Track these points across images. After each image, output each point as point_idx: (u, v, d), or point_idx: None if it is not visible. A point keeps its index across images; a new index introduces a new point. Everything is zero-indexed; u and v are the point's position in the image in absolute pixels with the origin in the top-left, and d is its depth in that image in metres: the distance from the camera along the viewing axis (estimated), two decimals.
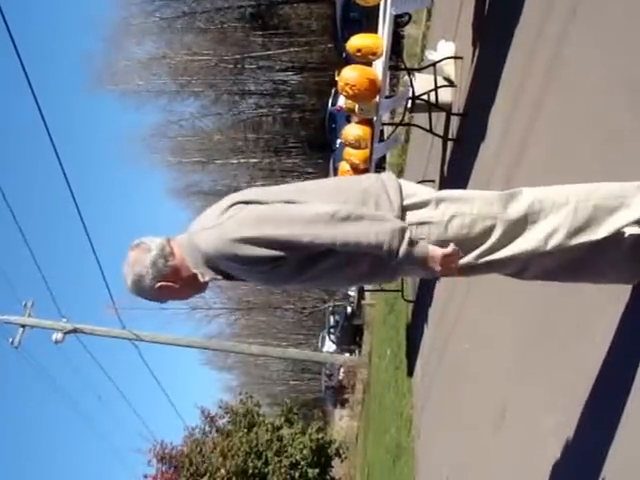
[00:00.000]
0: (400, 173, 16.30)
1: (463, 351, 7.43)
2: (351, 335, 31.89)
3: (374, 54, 6.38)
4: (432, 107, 8.22)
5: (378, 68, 6.69)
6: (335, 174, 10.03)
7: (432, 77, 8.39)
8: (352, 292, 27.25)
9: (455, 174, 8.50)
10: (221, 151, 39.98)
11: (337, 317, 32.75)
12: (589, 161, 4.00)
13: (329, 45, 28.80)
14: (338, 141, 7.17)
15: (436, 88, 8.28)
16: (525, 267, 2.93)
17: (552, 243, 2.80)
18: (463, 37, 8.70)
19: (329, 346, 31.46)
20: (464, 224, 2.82)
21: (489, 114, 6.76)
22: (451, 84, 8.81)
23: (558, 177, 4.31)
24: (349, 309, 32.15)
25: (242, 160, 39.62)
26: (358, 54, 6.39)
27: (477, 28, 7.98)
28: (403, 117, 8.58)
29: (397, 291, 12.80)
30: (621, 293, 3.25)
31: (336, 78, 6.61)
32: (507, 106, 6.16)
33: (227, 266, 2.86)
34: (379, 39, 6.44)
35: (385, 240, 2.68)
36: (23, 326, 21.84)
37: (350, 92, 6.51)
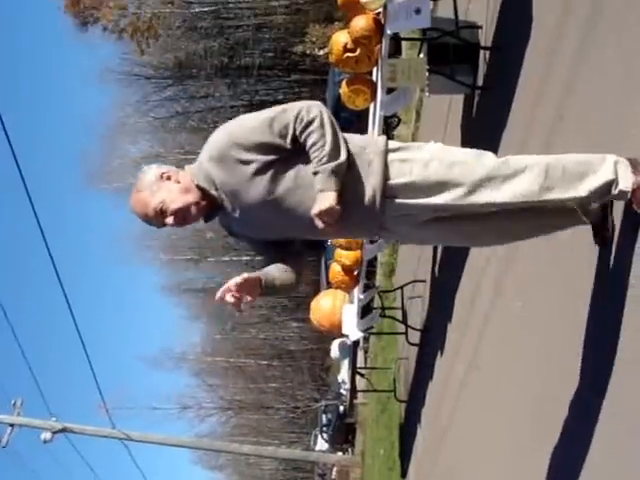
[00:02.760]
0: (391, 272, 16.35)
1: (457, 454, 7.33)
2: (344, 434, 31.45)
3: None
4: None
5: None
6: (327, 272, 10.04)
7: None
8: (344, 391, 26.99)
9: (446, 275, 8.52)
10: (213, 248, 40.15)
11: (329, 416, 32.33)
12: None
13: None
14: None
15: None
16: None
17: (524, 197, 3.07)
18: (452, 138, 8.82)
19: (322, 445, 30.99)
20: (442, 165, 3.10)
21: None
22: None
23: None
24: (341, 408, 31.75)
25: (234, 258, 39.73)
26: None
27: (465, 129, 8.10)
28: None
29: (390, 391, 12.70)
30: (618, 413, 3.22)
31: None
32: None
33: (227, 166, 3.11)
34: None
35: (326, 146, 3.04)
36: (12, 425, 21.49)
37: None
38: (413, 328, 10.15)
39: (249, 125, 3.14)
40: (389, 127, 8.50)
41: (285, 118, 3.08)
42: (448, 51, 6.88)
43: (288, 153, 3.11)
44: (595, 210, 3.34)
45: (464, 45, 6.98)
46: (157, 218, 3.18)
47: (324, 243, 21.91)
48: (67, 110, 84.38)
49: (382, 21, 5.59)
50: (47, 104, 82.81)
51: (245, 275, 3.02)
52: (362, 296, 8.10)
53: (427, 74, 6.35)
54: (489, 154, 3.17)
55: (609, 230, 3.47)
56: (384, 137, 3.26)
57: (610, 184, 3.07)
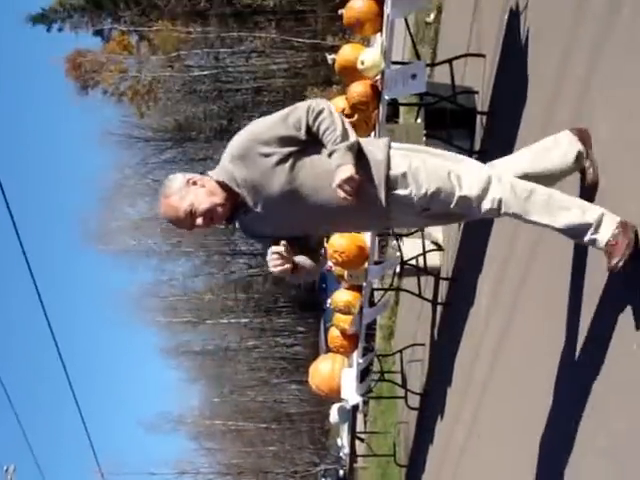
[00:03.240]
0: (390, 335, 16.27)
1: None
2: None
3: None
4: (421, 272, 8.27)
5: (366, 234, 6.75)
6: (326, 335, 10.01)
7: (420, 241, 8.48)
8: (344, 455, 26.63)
9: (446, 338, 8.47)
10: (212, 311, 40.02)
11: None
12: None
13: None
14: (329, 300, 7.17)
15: (424, 252, 8.35)
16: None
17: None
18: None
19: None
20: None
21: (477, 279, 6.79)
22: (439, 248, 8.91)
23: (547, 340, 4.29)
24: (341, 472, 31.41)
25: (232, 320, 39.60)
26: None
27: None
28: (392, 282, 8.63)
29: (390, 455, 12.55)
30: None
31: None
32: (495, 272, 6.19)
33: (248, 162, 3.43)
34: None
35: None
36: None
37: (339, 259, 6.53)
38: (413, 392, 10.06)
39: (267, 122, 3.48)
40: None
41: (298, 112, 3.43)
42: (445, 116, 6.92)
43: (304, 145, 3.43)
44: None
45: (461, 110, 7.02)
46: (187, 220, 3.48)
47: (323, 305, 21.88)
48: (66, 172, 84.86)
49: (379, 87, 5.63)
50: (47, 166, 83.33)
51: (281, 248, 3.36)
52: (361, 360, 8.04)
53: (424, 139, 6.38)
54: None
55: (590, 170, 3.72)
56: (387, 137, 3.70)
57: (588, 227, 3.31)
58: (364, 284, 7.20)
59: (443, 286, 8.60)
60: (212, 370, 42.60)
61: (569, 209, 3.34)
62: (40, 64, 51.57)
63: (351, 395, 8.09)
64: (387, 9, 5.44)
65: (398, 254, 8.28)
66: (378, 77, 5.64)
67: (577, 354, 3.87)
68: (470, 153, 7.23)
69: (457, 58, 7.18)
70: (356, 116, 5.69)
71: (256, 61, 33.70)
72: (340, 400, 8.67)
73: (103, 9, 33.11)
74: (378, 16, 5.65)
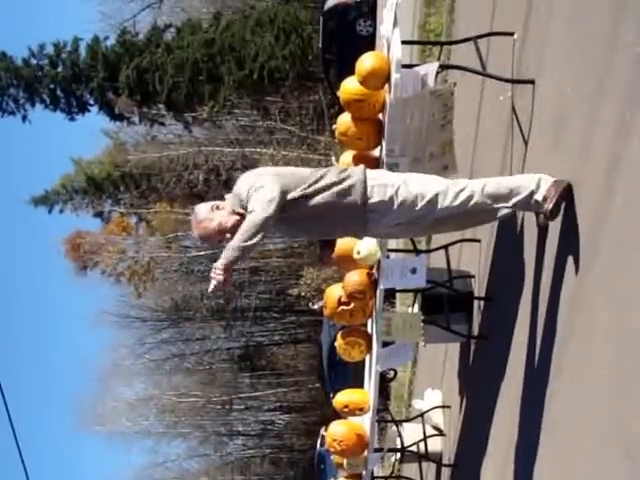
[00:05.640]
0: None
1: None
2: None
3: (361, 409, 6.33)
4: (422, 458, 8.07)
5: (366, 422, 6.61)
6: None
7: (421, 426, 8.32)
8: None
9: None
10: None
11: None
12: None
13: (316, 385, 28.96)
14: None
15: (425, 438, 8.18)
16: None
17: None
18: (450, 385, 8.73)
19: None
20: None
21: (480, 465, 6.61)
22: (440, 433, 8.73)
23: None
24: None
25: None
26: (345, 410, 6.35)
27: (463, 376, 8.03)
28: (393, 470, 8.41)
29: None
30: None
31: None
32: (499, 458, 6.03)
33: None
34: (366, 394, 6.42)
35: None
36: None
37: (338, 448, 6.37)
38: None
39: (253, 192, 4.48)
40: (384, 379, 8.48)
41: (256, 201, 4.40)
42: (442, 301, 6.92)
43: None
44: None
45: (458, 294, 7.03)
46: (217, 236, 4.54)
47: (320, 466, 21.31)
48: (61, 352, 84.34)
49: (375, 276, 5.64)
50: (41, 345, 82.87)
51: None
52: None
53: (422, 324, 6.34)
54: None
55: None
56: (362, 166, 4.71)
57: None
58: (364, 472, 7.01)
59: (445, 473, 8.36)
60: None
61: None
62: (40, 244, 52.28)
63: None
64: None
65: (398, 439, 8.10)
66: (374, 266, 5.68)
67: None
68: (468, 338, 7.20)
69: (453, 244, 7.25)
70: (353, 304, 5.69)
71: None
72: None
73: (104, 191, 33.83)
74: None
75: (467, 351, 7.61)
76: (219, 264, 4.28)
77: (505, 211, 4.54)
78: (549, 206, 4.22)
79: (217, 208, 4.54)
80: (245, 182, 4.55)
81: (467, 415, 7.68)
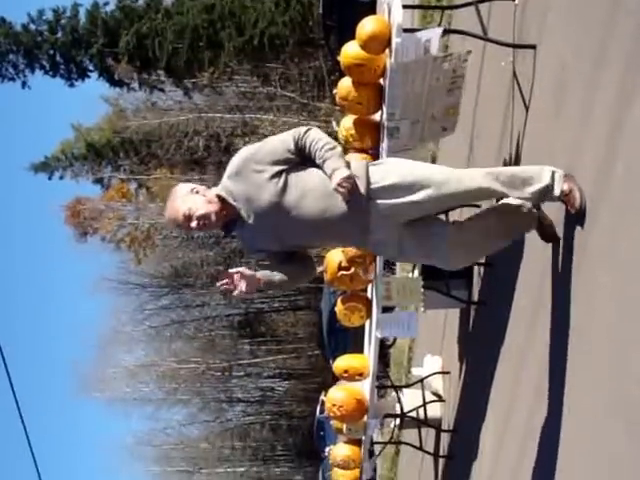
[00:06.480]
0: None
1: None
2: None
3: (361, 374, 6.35)
4: (421, 423, 8.10)
5: (365, 387, 6.63)
6: None
7: (420, 392, 8.35)
8: None
9: None
10: (207, 460, 39.08)
11: None
12: None
13: (316, 352, 29.06)
14: (327, 449, 7.02)
15: (425, 404, 8.21)
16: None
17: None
18: (449, 351, 8.76)
19: None
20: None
21: (480, 431, 6.63)
22: (440, 399, 8.76)
23: None
24: None
25: (229, 469, 38.67)
26: (345, 375, 6.36)
27: (462, 342, 8.05)
28: (392, 435, 8.44)
29: None
30: None
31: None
32: (498, 423, 6.06)
33: (243, 178, 4.03)
34: (365, 360, 6.44)
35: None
36: None
37: (337, 413, 6.39)
38: None
39: (261, 145, 4.12)
40: (383, 345, 8.49)
41: (288, 138, 4.04)
42: None
43: (293, 164, 4.03)
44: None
45: None
46: (185, 222, 4.06)
47: (321, 453, 21.41)
48: (61, 318, 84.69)
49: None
50: (41, 312, 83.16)
51: (243, 268, 4.08)
52: None
53: (422, 290, 6.34)
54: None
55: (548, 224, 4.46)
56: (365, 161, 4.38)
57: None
58: (363, 437, 7.04)
59: (445, 438, 8.41)
60: None
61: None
62: (40, 211, 52.22)
63: None
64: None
65: (398, 405, 8.13)
66: None
67: None
68: (468, 304, 7.21)
69: (452, 209, 7.22)
70: (352, 269, 5.67)
71: None
72: None
73: (103, 158, 33.74)
74: None
75: (467, 317, 7.63)
76: (343, 174, 3.88)
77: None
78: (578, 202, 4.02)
79: (196, 192, 4.10)
80: (242, 157, 4.10)
81: (466, 381, 7.71)
